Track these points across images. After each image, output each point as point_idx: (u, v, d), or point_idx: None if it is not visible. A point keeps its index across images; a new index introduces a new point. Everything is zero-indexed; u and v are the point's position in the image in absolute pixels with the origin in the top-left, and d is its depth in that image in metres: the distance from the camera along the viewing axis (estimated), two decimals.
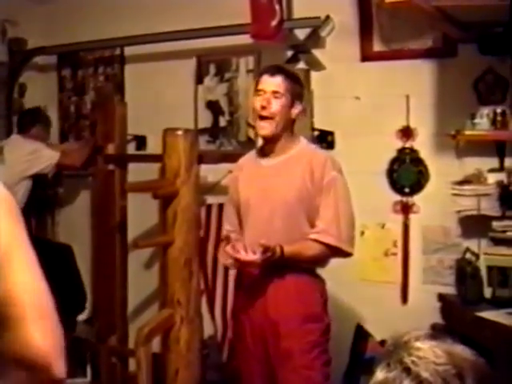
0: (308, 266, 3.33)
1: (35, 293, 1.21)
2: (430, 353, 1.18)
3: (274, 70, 3.36)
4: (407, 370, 1.17)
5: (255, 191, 3.39)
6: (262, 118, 3.31)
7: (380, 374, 1.20)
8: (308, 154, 3.36)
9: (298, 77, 3.52)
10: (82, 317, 5.22)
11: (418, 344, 1.21)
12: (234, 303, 3.77)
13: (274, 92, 3.29)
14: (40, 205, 5.52)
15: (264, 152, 3.45)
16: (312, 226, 3.29)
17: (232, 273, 4.37)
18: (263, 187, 3.36)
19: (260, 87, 3.36)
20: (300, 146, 3.40)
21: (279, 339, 3.27)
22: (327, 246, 3.25)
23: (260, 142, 3.60)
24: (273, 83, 3.31)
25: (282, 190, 3.30)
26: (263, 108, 3.30)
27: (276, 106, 3.29)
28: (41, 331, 1.18)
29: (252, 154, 3.59)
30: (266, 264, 3.15)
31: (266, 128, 3.32)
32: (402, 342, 1.22)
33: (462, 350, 1.22)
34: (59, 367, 1.21)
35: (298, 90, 3.38)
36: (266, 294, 3.30)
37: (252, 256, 3.10)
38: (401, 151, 4.42)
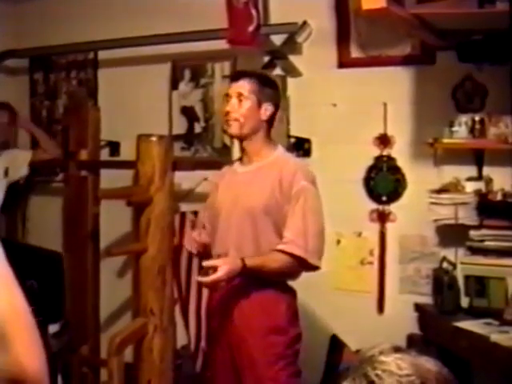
0: (276, 279, 3.28)
1: (19, 314, 1.24)
2: (393, 365, 1.21)
3: (237, 75, 3.45)
4: None
5: (228, 199, 3.37)
6: (227, 120, 3.35)
7: None
8: (280, 163, 3.32)
9: (269, 78, 3.52)
10: (52, 329, 5.12)
11: (382, 358, 1.23)
12: (206, 312, 3.73)
13: (238, 94, 3.31)
14: (11, 210, 5.45)
15: (242, 159, 3.44)
16: (281, 236, 3.24)
17: None
18: (235, 195, 3.34)
19: (227, 92, 3.41)
20: (275, 155, 3.37)
21: (244, 351, 3.25)
22: (293, 257, 3.18)
23: (237, 148, 3.58)
24: (236, 87, 3.34)
25: (250, 198, 3.27)
26: (227, 113, 3.33)
27: (240, 109, 3.30)
28: (30, 353, 1.22)
29: (233, 163, 3.61)
30: (230, 278, 3.12)
31: (231, 128, 3.34)
32: (367, 357, 1.25)
33: (425, 361, 1.24)
34: None
35: (267, 91, 3.35)
36: (233, 306, 3.28)
37: (213, 276, 3.07)
38: (378, 159, 4.41)
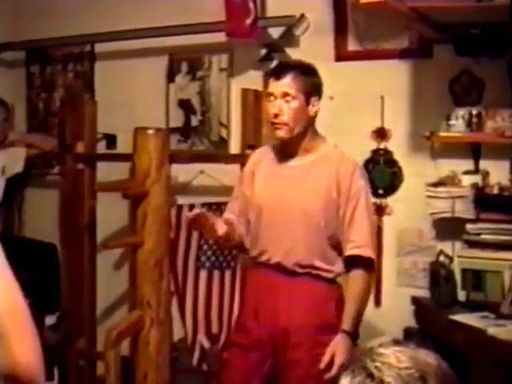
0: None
1: (16, 309, 1.25)
2: (392, 358, 1.20)
3: (281, 71, 3.09)
4: (371, 376, 1.19)
5: (271, 193, 3.15)
6: (275, 123, 3.07)
7: (344, 380, 1.22)
8: (335, 161, 3.11)
9: (311, 67, 3.16)
10: (49, 321, 5.12)
11: (382, 350, 1.23)
12: (240, 311, 3.56)
13: (284, 94, 3.02)
14: (7, 204, 5.43)
15: (285, 150, 3.18)
16: (329, 233, 3.09)
17: (203, 275, 4.33)
18: (281, 190, 3.12)
19: (269, 90, 3.11)
20: (325, 149, 3.16)
21: (288, 349, 3.06)
22: (368, 260, 3.08)
23: (234, 141, 3.54)
24: (281, 85, 3.03)
25: (302, 196, 3.07)
26: (276, 116, 3.04)
27: (288, 111, 3.02)
28: (25, 348, 1.23)
29: (269, 148, 3.31)
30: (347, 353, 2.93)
31: (280, 133, 3.07)
32: (367, 349, 1.25)
33: (425, 355, 1.24)
34: (43, 382, 1.27)
35: (313, 83, 3.09)
36: (278, 302, 3.09)
37: (335, 368, 2.90)
38: (375, 152, 4.38)
